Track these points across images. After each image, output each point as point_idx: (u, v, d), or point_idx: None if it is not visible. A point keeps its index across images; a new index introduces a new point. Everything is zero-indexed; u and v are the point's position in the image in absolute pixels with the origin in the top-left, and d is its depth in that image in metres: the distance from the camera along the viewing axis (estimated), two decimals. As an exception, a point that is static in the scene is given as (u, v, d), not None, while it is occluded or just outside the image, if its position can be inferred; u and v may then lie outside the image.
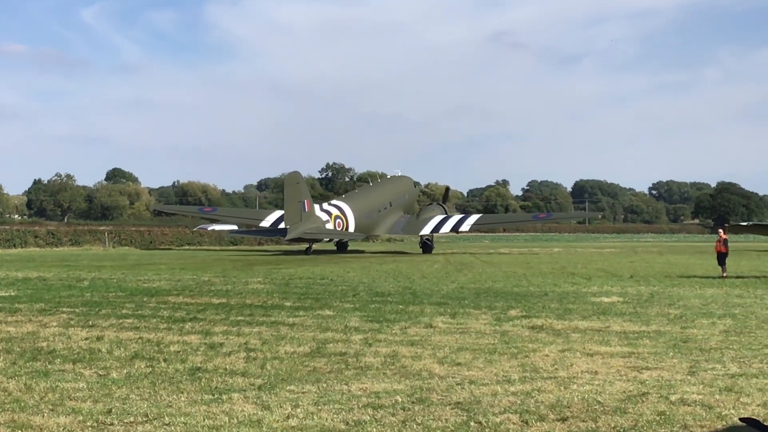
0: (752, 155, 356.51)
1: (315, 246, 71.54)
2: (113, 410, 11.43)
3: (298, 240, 68.26)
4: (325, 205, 73.84)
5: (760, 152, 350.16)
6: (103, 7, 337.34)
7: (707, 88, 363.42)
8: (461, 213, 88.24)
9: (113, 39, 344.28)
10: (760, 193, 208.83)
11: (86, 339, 18.08)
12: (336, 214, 71.88)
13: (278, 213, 75.60)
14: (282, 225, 70.05)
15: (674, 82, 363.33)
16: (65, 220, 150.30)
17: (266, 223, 75.70)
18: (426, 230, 75.30)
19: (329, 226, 70.39)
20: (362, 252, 76.24)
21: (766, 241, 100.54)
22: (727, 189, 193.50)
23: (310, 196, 70.77)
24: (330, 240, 73.10)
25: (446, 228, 75.51)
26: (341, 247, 76.57)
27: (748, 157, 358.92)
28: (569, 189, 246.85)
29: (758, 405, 11.74)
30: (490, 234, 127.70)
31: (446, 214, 77.79)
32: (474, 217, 79.55)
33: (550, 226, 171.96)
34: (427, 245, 75.56)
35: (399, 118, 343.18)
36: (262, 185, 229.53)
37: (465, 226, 76.27)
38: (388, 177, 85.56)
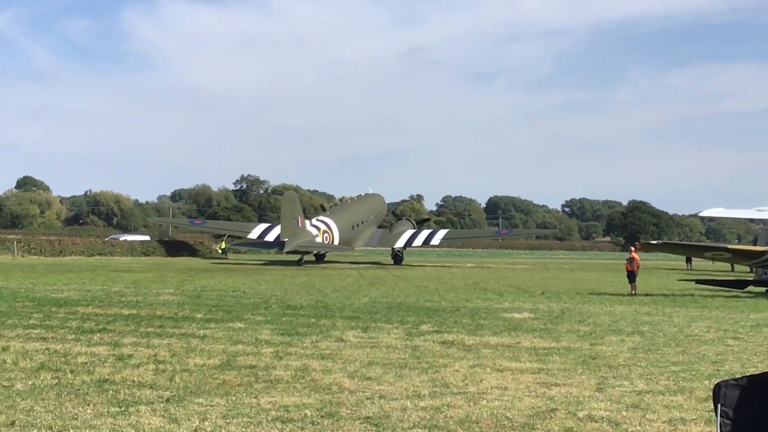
0: (662, 175, 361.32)
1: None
2: (17, 422, 11.24)
3: (294, 252, 73.20)
4: (314, 221, 79.21)
5: (670, 172, 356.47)
6: (17, 12, 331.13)
7: (619, 107, 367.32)
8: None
9: (25, 45, 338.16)
10: (670, 212, 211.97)
11: (-9, 349, 17.75)
12: (324, 229, 77.85)
13: (263, 226, 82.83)
14: (268, 237, 78.05)
15: (587, 100, 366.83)
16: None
17: (253, 235, 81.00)
18: (399, 243, 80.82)
19: (318, 239, 76.15)
20: (336, 263, 79.91)
21: (675, 259, 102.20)
22: (638, 207, 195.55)
23: (303, 213, 76.44)
24: (317, 252, 78.68)
25: (418, 242, 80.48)
26: (319, 258, 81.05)
27: (658, 176, 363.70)
28: (483, 205, 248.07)
29: (664, 422, 11.89)
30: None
31: (415, 228, 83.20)
32: (443, 232, 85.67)
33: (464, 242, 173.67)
34: (398, 257, 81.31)
35: (314, 130, 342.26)
36: (176, 196, 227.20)
37: (435, 240, 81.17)
38: (363, 195, 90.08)
